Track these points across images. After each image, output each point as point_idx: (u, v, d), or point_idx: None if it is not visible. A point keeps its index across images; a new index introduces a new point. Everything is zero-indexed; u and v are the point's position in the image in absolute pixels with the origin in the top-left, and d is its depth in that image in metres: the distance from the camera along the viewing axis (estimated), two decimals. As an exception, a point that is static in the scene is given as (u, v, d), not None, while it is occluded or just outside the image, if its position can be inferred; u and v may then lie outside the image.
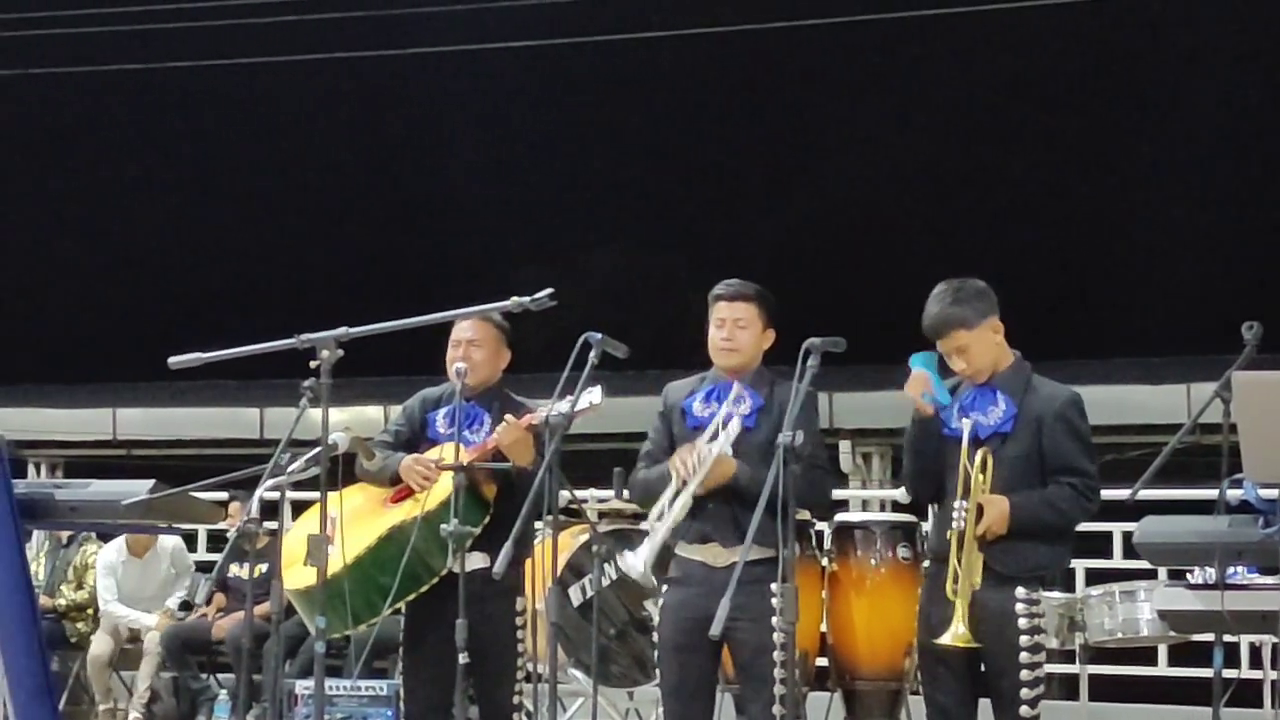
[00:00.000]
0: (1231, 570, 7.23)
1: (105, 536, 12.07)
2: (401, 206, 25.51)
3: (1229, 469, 6.61)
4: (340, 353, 6.28)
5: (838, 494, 12.87)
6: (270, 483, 6.49)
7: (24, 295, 25.92)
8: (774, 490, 6.22)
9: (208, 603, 11.12)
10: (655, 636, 7.11)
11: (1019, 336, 6.75)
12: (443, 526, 6.76)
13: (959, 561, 6.40)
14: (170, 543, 11.96)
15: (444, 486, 6.97)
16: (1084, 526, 8.97)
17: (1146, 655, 10.78)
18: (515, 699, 7.20)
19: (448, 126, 24.87)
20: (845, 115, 23.79)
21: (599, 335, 6.72)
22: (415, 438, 7.38)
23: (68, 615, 11.91)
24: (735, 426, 6.79)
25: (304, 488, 6.81)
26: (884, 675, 7.69)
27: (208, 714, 11.06)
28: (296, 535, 6.96)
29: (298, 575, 6.78)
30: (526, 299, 6.54)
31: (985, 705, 6.69)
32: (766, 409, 6.83)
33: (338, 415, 6.43)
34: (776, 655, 6.61)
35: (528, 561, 7.07)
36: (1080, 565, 11.09)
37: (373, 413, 15.33)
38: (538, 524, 7.11)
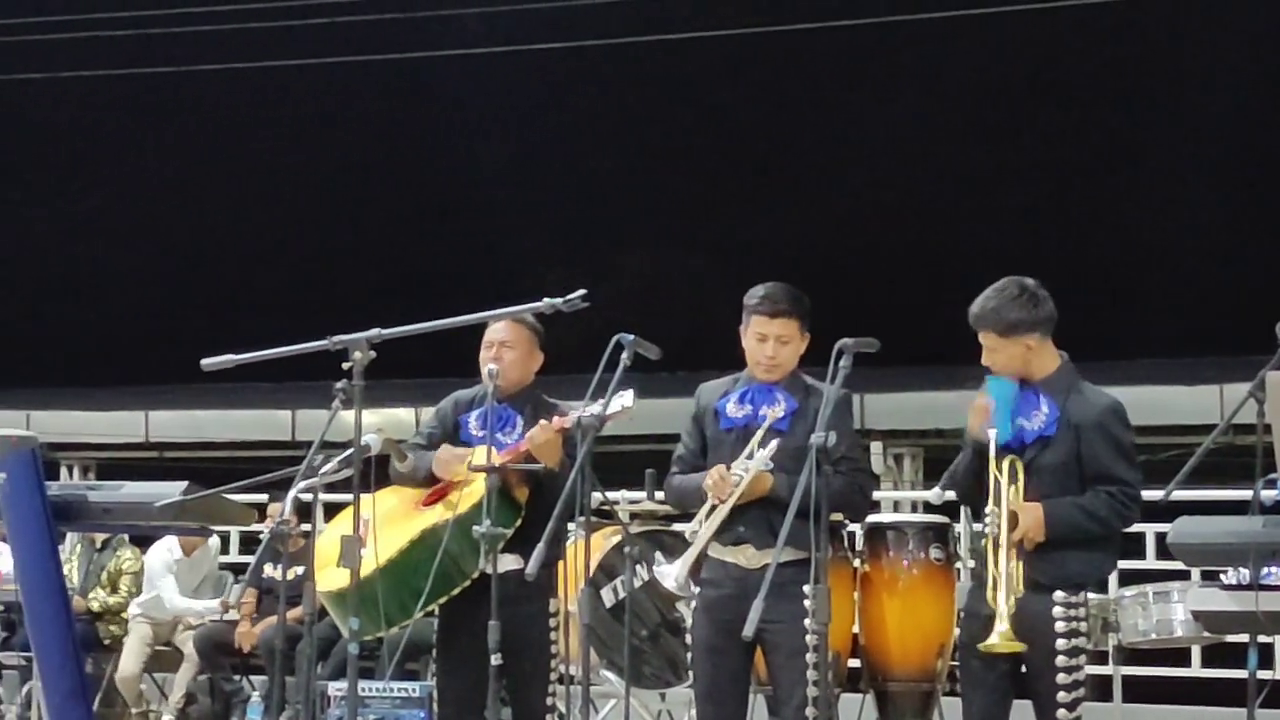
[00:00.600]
0: (1265, 571, 7.22)
1: (138, 540, 12.12)
2: (432, 209, 25.50)
3: (1263, 469, 6.59)
4: (372, 354, 6.28)
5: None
6: (303, 484, 6.50)
7: (56, 298, 25.98)
8: (806, 492, 6.20)
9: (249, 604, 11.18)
10: (688, 638, 7.11)
11: (1052, 335, 6.72)
12: (475, 528, 6.77)
13: (995, 566, 6.38)
14: (214, 542, 12.06)
15: (476, 488, 6.97)
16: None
17: (1180, 656, 10.76)
18: (548, 700, 7.19)
19: (479, 128, 24.86)
20: (875, 115, 23.73)
21: (631, 336, 6.71)
22: (448, 440, 7.38)
23: (101, 617, 11.96)
24: (773, 446, 6.78)
25: (337, 490, 6.82)
26: (916, 676, 7.69)
27: (240, 715, 11.09)
28: (329, 537, 6.97)
29: (330, 577, 6.79)
30: (559, 300, 6.54)
31: (1026, 706, 6.68)
32: (801, 413, 6.82)
33: (369, 417, 6.43)
34: (809, 657, 6.60)
35: (560, 563, 7.07)
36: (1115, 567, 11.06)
37: (404, 415, 15.35)
38: (570, 525, 7.11)
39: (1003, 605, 6.32)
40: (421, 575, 6.89)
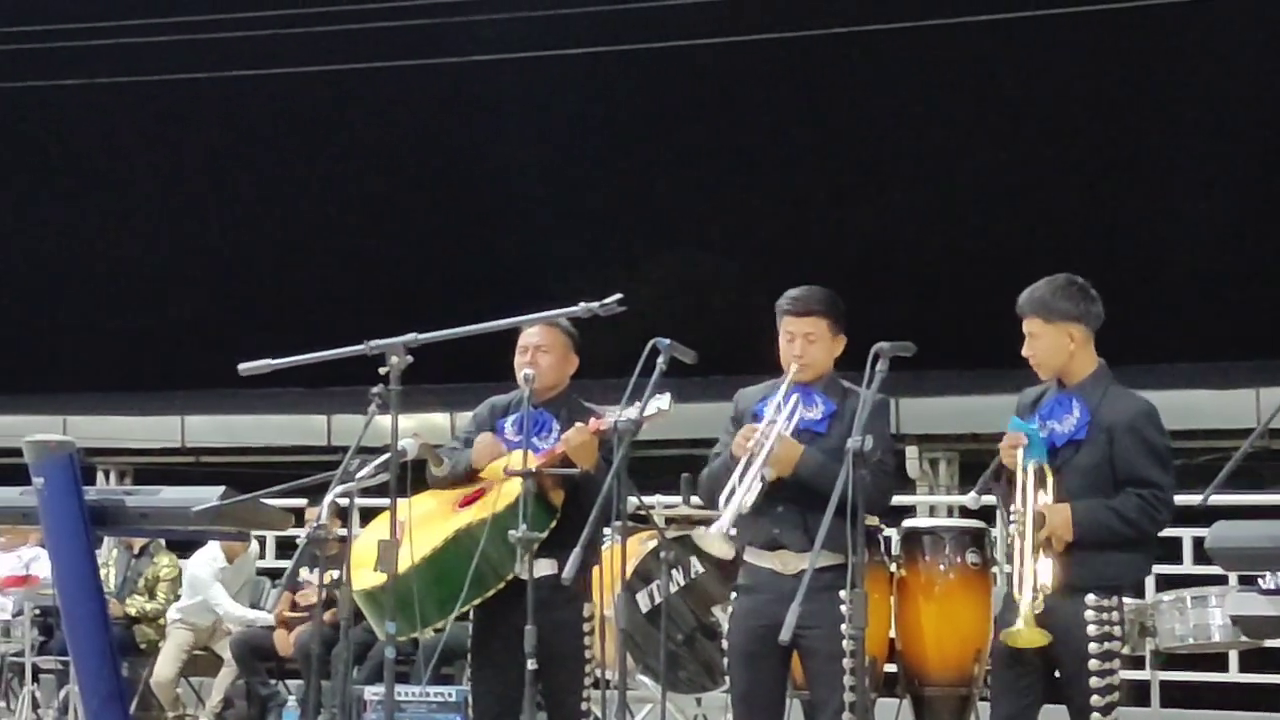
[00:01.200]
0: (1304, 575, 7.17)
1: (175, 546, 12.15)
2: (468, 213, 25.54)
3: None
4: (409, 359, 6.29)
5: (904, 500, 12.87)
6: (340, 489, 6.51)
7: (93, 304, 26.07)
8: (843, 495, 6.19)
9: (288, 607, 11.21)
10: (724, 643, 7.10)
11: (1103, 339, 6.71)
12: (511, 532, 6.77)
13: (1020, 565, 6.37)
14: (254, 548, 12.10)
15: (511, 490, 6.98)
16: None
17: (1218, 661, 10.72)
18: (583, 705, 7.19)
19: (514, 133, 24.89)
20: (911, 119, 23.72)
21: (667, 341, 6.71)
22: (486, 443, 7.40)
23: (138, 622, 11.99)
24: (795, 400, 6.79)
25: (372, 494, 6.84)
26: (953, 681, 7.65)
27: (276, 719, 11.11)
28: (366, 541, 6.98)
29: (365, 577, 6.80)
30: (595, 304, 6.54)
31: (1061, 711, 6.66)
32: (838, 415, 6.83)
33: (405, 422, 6.43)
34: (846, 662, 6.59)
35: (595, 567, 7.07)
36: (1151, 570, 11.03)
37: (439, 420, 15.39)
38: (605, 530, 7.11)
39: (1026, 604, 6.30)
40: (457, 576, 6.90)
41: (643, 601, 8.84)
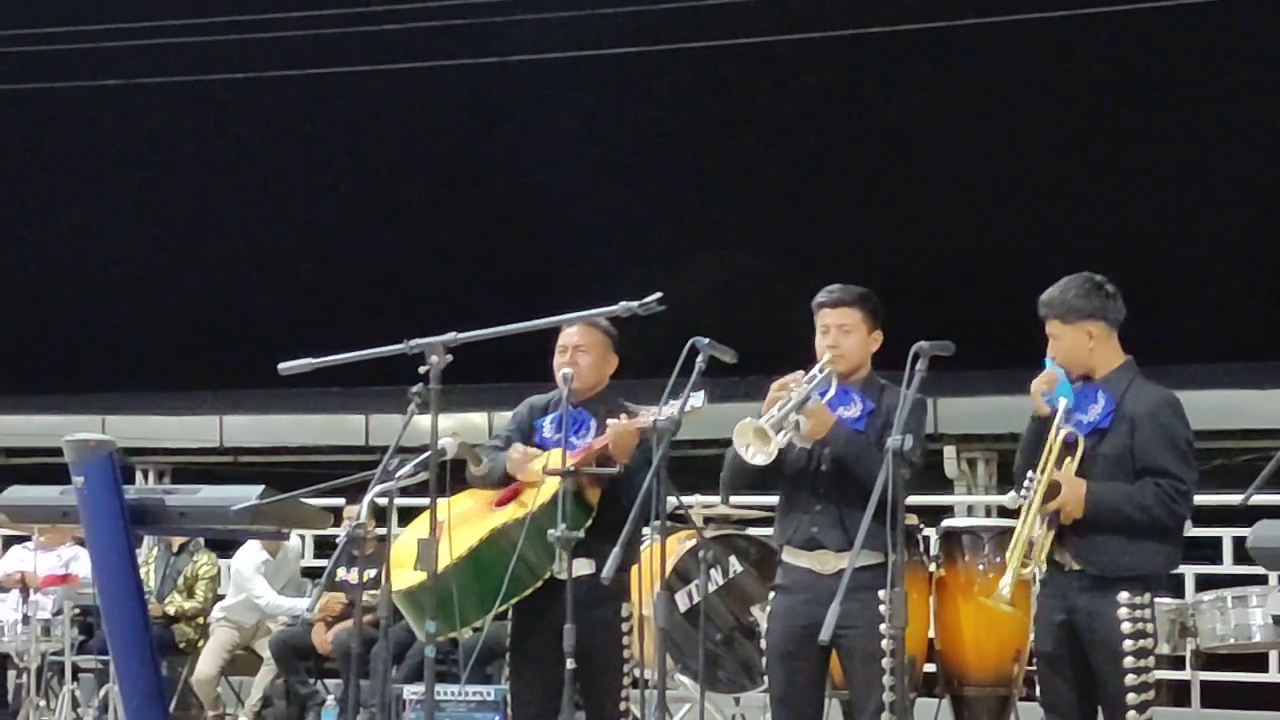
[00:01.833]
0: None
1: (214, 545, 12.17)
2: (506, 213, 25.57)
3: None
4: (449, 358, 6.30)
5: (943, 500, 12.84)
6: (379, 488, 6.52)
7: (131, 303, 26.15)
8: (881, 494, 6.18)
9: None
10: (762, 642, 7.10)
11: (1126, 339, 6.70)
12: (550, 532, 6.77)
13: (1021, 529, 6.37)
14: (294, 544, 12.11)
15: (547, 488, 6.98)
16: (1193, 531, 8.91)
17: (1258, 661, 10.67)
18: (622, 704, 7.19)
19: (552, 133, 24.91)
20: (948, 118, 23.69)
21: (706, 340, 6.70)
22: (524, 444, 7.40)
23: (177, 621, 12.01)
24: (828, 358, 6.80)
25: (411, 494, 6.84)
26: (992, 681, 7.66)
27: (315, 719, 11.11)
28: (405, 540, 6.99)
29: (405, 577, 6.81)
30: (635, 303, 6.53)
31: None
32: (876, 413, 6.83)
33: (443, 422, 6.44)
34: (885, 662, 6.58)
35: (633, 567, 7.07)
36: (1190, 571, 10.99)
37: (477, 419, 15.39)
38: (644, 529, 7.11)
39: (1012, 570, 6.31)
40: (494, 574, 6.90)
41: (681, 601, 8.84)
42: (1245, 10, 21.47)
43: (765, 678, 7.14)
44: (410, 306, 23.18)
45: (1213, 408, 14.11)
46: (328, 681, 11.42)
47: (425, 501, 6.51)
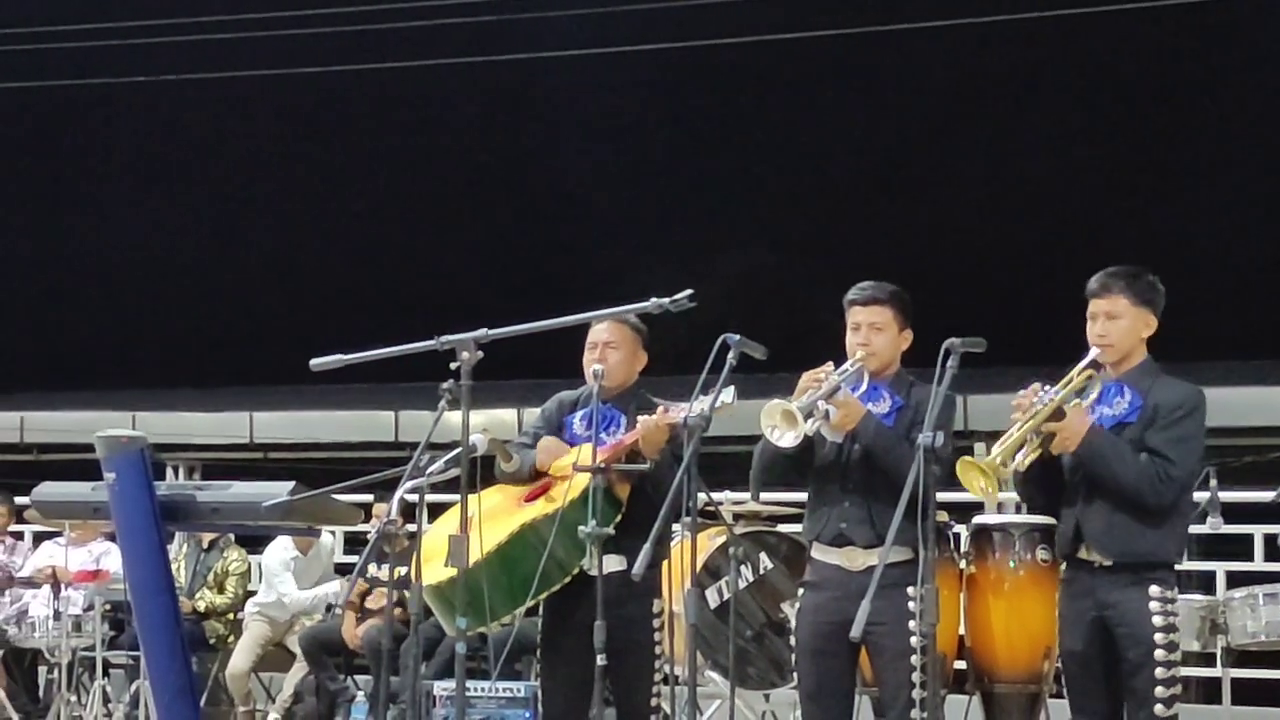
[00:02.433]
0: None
1: (244, 541, 12.19)
2: (535, 210, 25.59)
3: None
4: (480, 354, 6.30)
5: (973, 496, 12.79)
6: (409, 484, 6.53)
7: (161, 301, 26.22)
8: (913, 491, 6.17)
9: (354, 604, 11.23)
10: (793, 639, 7.09)
11: (1161, 335, 6.69)
12: (581, 529, 6.77)
13: (1014, 427, 6.41)
14: (326, 540, 12.13)
15: (577, 484, 6.99)
16: (1224, 528, 8.90)
17: (1291, 659, 10.65)
18: (653, 701, 7.19)
19: (581, 130, 24.93)
20: (979, 114, 23.65)
21: (737, 336, 6.68)
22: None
23: (207, 617, 12.03)
24: (861, 354, 6.80)
25: (440, 490, 6.84)
26: (1023, 678, 7.62)
27: (345, 715, 11.12)
28: (435, 536, 7.00)
29: (434, 572, 6.82)
30: (666, 300, 6.53)
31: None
32: (905, 409, 6.83)
33: (473, 418, 6.44)
34: (914, 659, 6.58)
35: (663, 563, 7.07)
36: (1221, 568, 10.98)
37: (507, 416, 15.40)
38: (675, 525, 7.10)
39: (997, 452, 6.40)
40: (524, 568, 6.91)
41: (711, 597, 8.83)
42: (1264, 8, 21.41)
43: (795, 675, 7.14)
44: (439, 303, 23.18)
45: (1243, 404, 14.09)
46: (357, 678, 11.44)
47: (455, 497, 6.51)
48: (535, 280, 23.26)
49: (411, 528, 6.95)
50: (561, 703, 7.21)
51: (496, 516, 7.08)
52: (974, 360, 6.48)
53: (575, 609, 6.97)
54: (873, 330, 6.89)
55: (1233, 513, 9.87)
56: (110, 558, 11.70)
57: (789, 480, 7.13)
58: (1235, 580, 10.64)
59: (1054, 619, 6.80)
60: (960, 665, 7.86)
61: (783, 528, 9.27)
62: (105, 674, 11.08)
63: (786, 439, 6.56)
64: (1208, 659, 9.39)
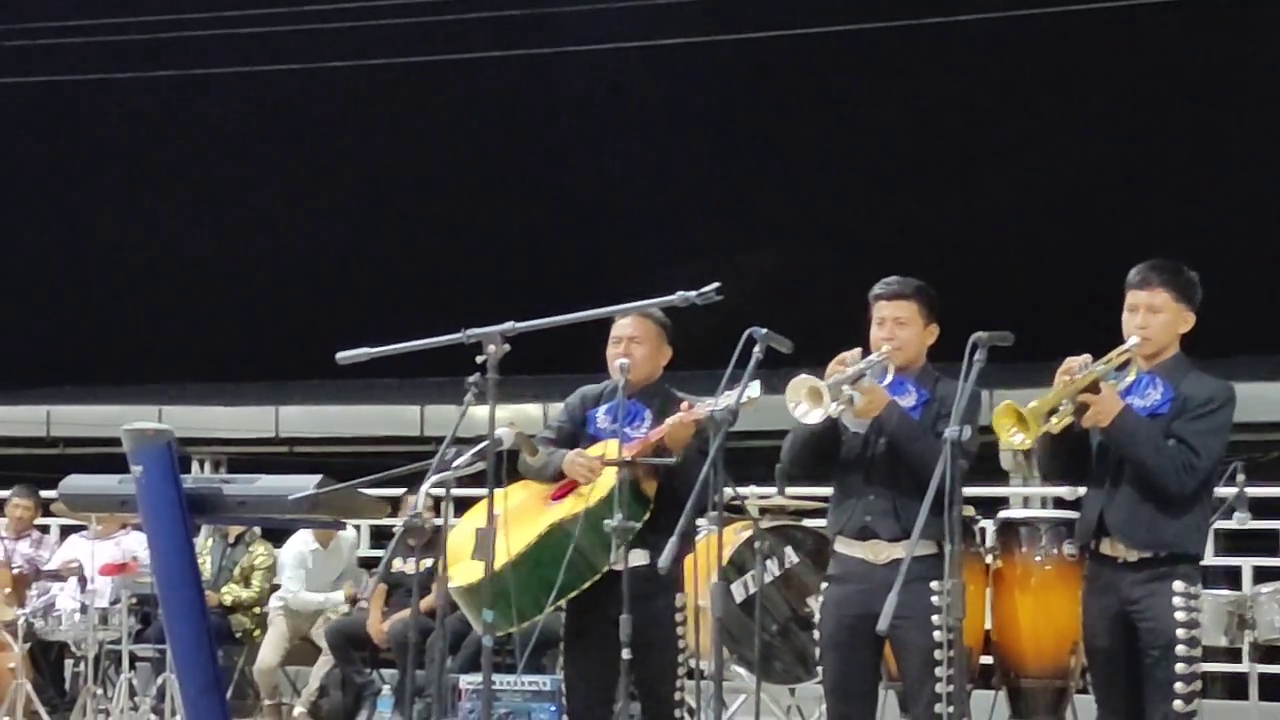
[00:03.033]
0: None
1: (271, 535, 12.21)
2: (561, 204, 25.58)
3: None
4: (507, 348, 6.30)
5: (999, 491, 12.79)
6: (435, 478, 6.53)
7: (187, 296, 26.25)
8: (939, 484, 6.16)
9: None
10: (816, 634, 7.09)
11: (1196, 330, 6.68)
12: (606, 522, 6.78)
13: (1056, 388, 6.38)
14: (348, 534, 12.14)
15: (604, 482, 6.99)
16: (1252, 524, 8.88)
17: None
18: (677, 695, 7.19)
19: (608, 124, 24.91)
20: (1007, 108, 23.60)
21: (764, 330, 6.67)
22: (577, 434, 7.41)
23: (234, 611, 12.06)
24: (887, 370, 6.80)
25: (467, 484, 6.85)
26: (1049, 673, 7.63)
27: (371, 708, 11.14)
28: (462, 531, 7.00)
29: (462, 571, 6.81)
30: (692, 293, 6.52)
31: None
32: (931, 403, 6.82)
33: (499, 412, 6.45)
34: (938, 653, 6.57)
35: (688, 557, 7.06)
36: (1247, 563, 10.95)
37: (532, 410, 15.41)
38: (700, 520, 7.09)
39: (1039, 402, 6.32)
40: (552, 569, 6.91)
41: (737, 592, 8.84)
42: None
43: (820, 669, 7.13)
44: (464, 298, 23.19)
45: (1271, 399, 14.05)
46: (383, 671, 11.46)
47: (481, 492, 6.51)
48: (561, 275, 23.23)
49: (438, 521, 6.95)
50: (586, 696, 7.22)
51: (524, 516, 7.08)
52: (1001, 355, 6.46)
53: (599, 603, 6.98)
54: (897, 325, 6.88)
55: (1260, 508, 9.87)
56: (131, 539, 11.77)
57: (816, 471, 7.12)
58: (1262, 575, 10.63)
59: (1079, 614, 6.79)
60: (986, 660, 7.85)
61: (808, 522, 9.27)
62: (132, 667, 11.10)
63: (812, 415, 6.55)
64: (1234, 654, 9.37)
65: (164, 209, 26.60)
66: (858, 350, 6.77)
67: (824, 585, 7.02)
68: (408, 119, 26.39)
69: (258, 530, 12.20)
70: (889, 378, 6.79)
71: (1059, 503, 9.47)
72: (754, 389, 6.70)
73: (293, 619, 11.92)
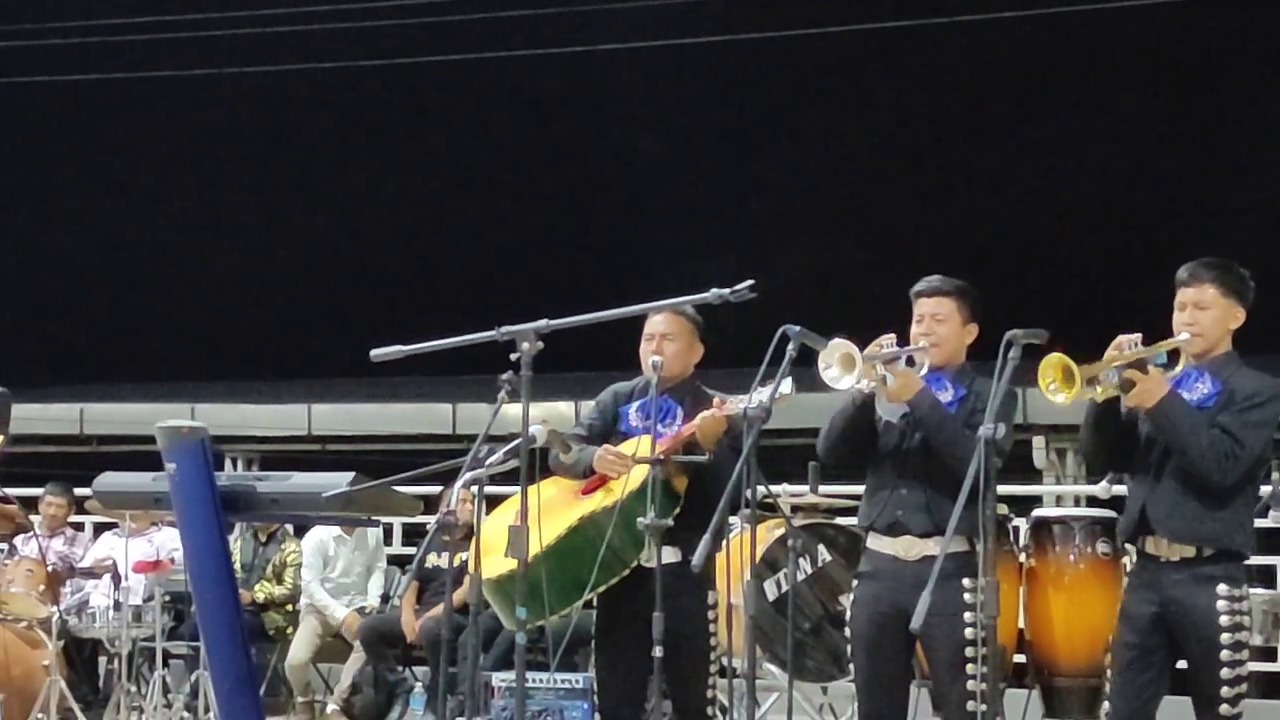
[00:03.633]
0: None
1: (301, 532, 12.23)
2: (594, 200, 25.60)
3: None
4: (540, 345, 6.29)
5: (1032, 489, 12.78)
6: (468, 475, 6.54)
7: (219, 294, 26.32)
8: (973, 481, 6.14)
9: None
10: (848, 631, 7.08)
11: (1251, 326, 6.66)
12: (639, 520, 6.77)
13: (1106, 365, 6.35)
14: (378, 529, 12.15)
15: (635, 477, 6.99)
16: (1285, 522, 8.83)
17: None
18: (709, 693, 7.19)
19: (640, 121, 24.93)
20: (1043, 106, 23.57)
21: (798, 328, 6.66)
22: (608, 431, 7.42)
23: (266, 608, 12.08)
24: (923, 365, 6.79)
25: (500, 482, 6.85)
26: (1083, 672, 7.59)
27: (404, 706, 11.16)
28: (494, 525, 7.00)
29: (493, 565, 6.82)
30: (726, 291, 6.51)
31: (1185, 703, 6.59)
32: (966, 399, 6.82)
33: (531, 410, 6.44)
34: (969, 651, 6.57)
35: (719, 555, 7.06)
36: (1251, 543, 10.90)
37: (563, 408, 15.40)
38: (733, 517, 7.09)
39: (1094, 365, 6.29)
40: (582, 563, 6.92)
41: (769, 590, 8.83)
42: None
43: (852, 666, 7.13)
44: (496, 295, 23.24)
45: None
46: (416, 668, 11.46)
47: (513, 489, 6.51)
48: (593, 272, 23.25)
49: (471, 518, 6.96)
50: (618, 694, 7.23)
51: (554, 509, 7.09)
52: (1036, 353, 6.44)
53: (631, 600, 6.98)
54: (935, 321, 6.89)
55: (1297, 506, 9.82)
56: (163, 535, 11.79)
57: (850, 462, 7.11)
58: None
59: (1114, 613, 6.77)
60: (1020, 659, 7.84)
61: (841, 520, 9.25)
62: (165, 664, 11.11)
63: (842, 382, 6.55)
64: (1269, 654, 9.34)
65: (197, 208, 26.69)
66: (892, 336, 6.77)
67: (854, 582, 7.02)
68: (440, 118, 26.44)
69: (289, 528, 12.21)
70: (923, 372, 6.79)
71: (1093, 501, 9.44)
72: (787, 386, 6.69)
73: (322, 615, 11.93)
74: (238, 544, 12.19)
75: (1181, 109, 22.95)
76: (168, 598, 11.27)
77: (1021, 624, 7.72)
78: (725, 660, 7.32)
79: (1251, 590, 6.82)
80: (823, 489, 9.47)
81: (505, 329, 6.37)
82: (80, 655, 11.98)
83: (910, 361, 6.83)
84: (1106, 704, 6.69)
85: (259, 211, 26.80)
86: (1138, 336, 6.40)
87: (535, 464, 6.65)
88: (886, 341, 6.75)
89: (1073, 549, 7.69)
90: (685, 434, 7.05)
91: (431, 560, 10.85)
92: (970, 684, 6.57)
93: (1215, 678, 6.36)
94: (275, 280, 26.31)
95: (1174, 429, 6.36)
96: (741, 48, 23.81)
